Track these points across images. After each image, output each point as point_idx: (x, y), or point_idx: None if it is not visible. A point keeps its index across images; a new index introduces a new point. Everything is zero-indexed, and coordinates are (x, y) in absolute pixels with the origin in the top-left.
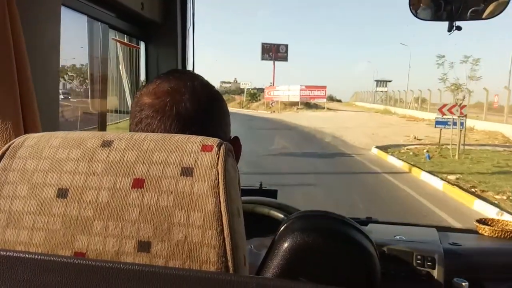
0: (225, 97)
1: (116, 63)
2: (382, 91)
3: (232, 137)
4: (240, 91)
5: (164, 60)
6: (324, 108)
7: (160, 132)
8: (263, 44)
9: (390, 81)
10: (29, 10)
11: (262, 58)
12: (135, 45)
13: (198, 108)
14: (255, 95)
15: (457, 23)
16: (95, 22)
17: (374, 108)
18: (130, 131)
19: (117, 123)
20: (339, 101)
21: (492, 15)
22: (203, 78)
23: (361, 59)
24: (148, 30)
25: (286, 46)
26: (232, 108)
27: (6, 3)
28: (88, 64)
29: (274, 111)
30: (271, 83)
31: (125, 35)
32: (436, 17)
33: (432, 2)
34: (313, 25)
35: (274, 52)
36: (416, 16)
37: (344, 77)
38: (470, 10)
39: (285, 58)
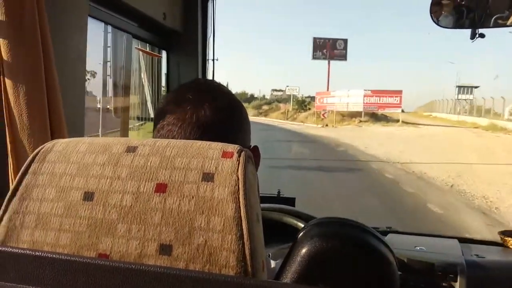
0: (268, 106)
1: (139, 71)
2: (466, 99)
3: (251, 146)
4: (293, 99)
5: (185, 68)
6: (398, 121)
7: (180, 139)
8: (315, 40)
9: (477, 86)
10: (57, 20)
11: (314, 57)
12: (157, 54)
13: (218, 116)
14: (304, 103)
15: (480, 30)
16: (119, 31)
17: (464, 122)
18: (153, 137)
19: (139, 126)
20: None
21: None
22: (224, 86)
23: (440, 59)
24: (170, 39)
25: (345, 41)
26: (271, 119)
27: (37, 12)
28: (111, 73)
29: (326, 125)
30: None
31: (148, 44)
32: (458, 25)
33: (454, 9)
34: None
35: (329, 48)
36: (437, 24)
37: (412, 81)
38: (494, 18)
39: (343, 57)
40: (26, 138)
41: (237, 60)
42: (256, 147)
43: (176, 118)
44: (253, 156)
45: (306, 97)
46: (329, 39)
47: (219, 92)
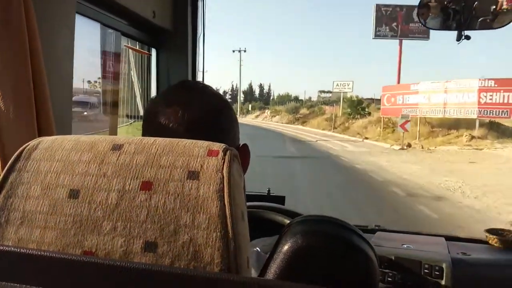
0: (309, 110)
1: (128, 69)
2: None
3: (241, 145)
4: (344, 100)
5: (174, 66)
6: None
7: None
8: (378, 9)
9: None
10: (44, 17)
11: (376, 34)
12: (146, 52)
13: (207, 116)
14: (360, 104)
15: (467, 32)
16: (108, 29)
17: None
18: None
19: (127, 125)
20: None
21: (502, 24)
22: (212, 88)
23: None
24: (160, 37)
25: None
26: (311, 129)
27: (24, 8)
28: (100, 71)
29: (408, 145)
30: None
31: (137, 42)
32: (445, 27)
33: (441, 11)
34: None
35: (401, 21)
36: (424, 25)
37: None
38: (479, 20)
39: (423, 34)
40: (12, 135)
41: (278, 59)
42: (245, 145)
43: (166, 119)
44: (243, 154)
45: (363, 99)
46: (401, 6)
47: (208, 93)
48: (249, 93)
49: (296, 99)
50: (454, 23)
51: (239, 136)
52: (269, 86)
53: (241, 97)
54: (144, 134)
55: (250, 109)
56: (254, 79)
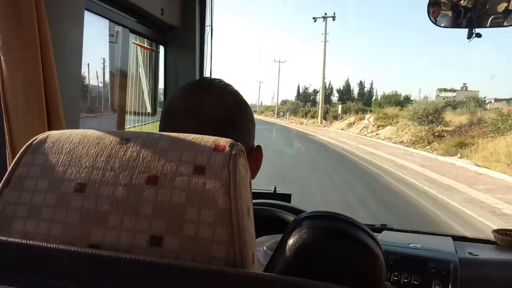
0: (468, 117)
1: (136, 67)
2: None
3: (255, 146)
4: (478, 104)
5: (182, 64)
6: None
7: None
8: None
9: None
10: (54, 13)
11: None
12: (154, 49)
13: (222, 114)
14: None
15: (477, 30)
16: (116, 26)
17: None
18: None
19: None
20: None
21: None
22: (231, 86)
23: None
24: (167, 35)
25: None
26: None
27: (35, 5)
28: (108, 67)
29: None
30: None
31: (145, 39)
32: (455, 25)
33: (451, 9)
34: None
35: None
36: (435, 23)
37: None
38: (491, 17)
39: None
40: (23, 130)
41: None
42: (259, 147)
43: (181, 114)
44: (256, 155)
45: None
46: None
47: (225, 90)
48: (345, 91)
49: (407, 99)
50: (465, 20)
51: (254, 136)
52: (371, 84)
53: (324, 95)
54: (161, 129)
55: (340, 111)
56: (351, 76)
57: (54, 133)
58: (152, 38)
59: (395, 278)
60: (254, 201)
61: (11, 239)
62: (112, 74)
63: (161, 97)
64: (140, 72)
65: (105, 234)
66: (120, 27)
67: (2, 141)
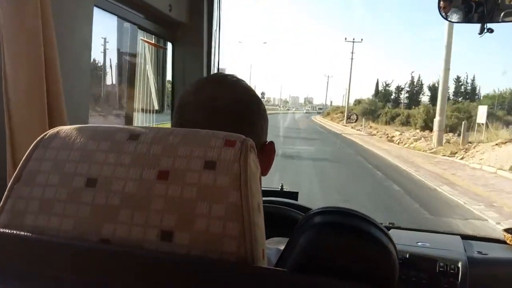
0: None
1: (144, 63)
2: None
3: (267, 142)
4: None
5: (190, 60)
6: None
7: (197, 127)
8: None
9: None
10: (63, 9)
11: None
12: (162, 46)
13: (234, 109)
14: None
15: (489, 25)
16: (124, 22)
17: None
18: (172, 126)
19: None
20: None
21: None
22: (244, 81)
23: None
24: (175, 31)
25: None
26: None
27: (40, 1)
28: (116, 64)
29: None
30: None
31: (153, 36)
32: (467, 20)
33: (462, 4)
34: None
35: None
36: (446, 19)
37: None
38: (503, 12)
39: None
40: (23, 126)
41: None
42: (271, 143)
43: (194, 109)
44: (268, 152)
45: None
46: None
47: (238, 85)
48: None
49: None
50: (476, 15)
51: (267, 132)
52: (473, 80)
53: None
54: (173, 124)
55: (483, 120)
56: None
57: (65, 128)
58: (160, 35)
59: (403, 276)
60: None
61: (23, 233)
62: (119, 71)
63: (168, 94)
64: (148, 69)
65: (116, 229)
66: (128, 23)
67: (3, 139)
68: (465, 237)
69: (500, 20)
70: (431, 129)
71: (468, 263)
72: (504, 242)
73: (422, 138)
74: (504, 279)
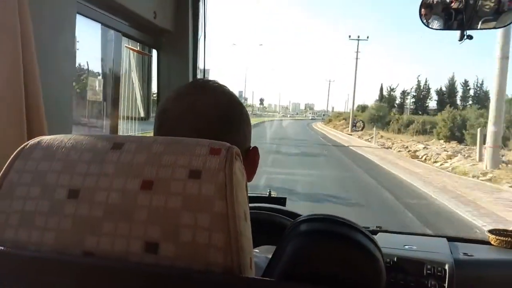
0: None
1: (129, 71)
2: None
3: (251, 147)
4: None
5: (175, 67)
6: None
7: (179, 135)
8: None
9: None
10: (44, 18)
11: None
12: (147, 53)
13: (217, 115)
14: None
15: (469, 32)
16: (109, 30)
17: None
18: (153, 135)
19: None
20: None
21: (504, 24)
22: (225, 87)
23: None
24: (160, 39)
25: None
26: None
27: (18, 10)
28: (101, 71)
29: None
30: None
31: (138, 43)
32: (447, 27)
33: (442, 11)
34: None
35: None
36: (427, 26)
37: None
38: (482, 19)
39: None
40: (0, 135)
41: None
42: (255, 148)
43: (176, 117)
44: (252, 156)
45: None
46: None
47: (220, 91)
48: (450, 93)
49: None
50: (455, 23)
51: (250, 137)
52: (481, 84)
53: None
54: (155, 131)
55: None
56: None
57: (46, 138)
58: (144, 42)
59: (391, 280)
60: (250, 205)
61: (3, 248)
62: (104, 79)
63: (154, 101)
64: (133, 76)
65: (99, 241)
66: (112, 30)
67: None
68: (451, 239)
69: (478, 28)
70: (457, 140)
71: (454, 265)
72: (488, 243)
73: (459, 154)
74: (490, 280)
